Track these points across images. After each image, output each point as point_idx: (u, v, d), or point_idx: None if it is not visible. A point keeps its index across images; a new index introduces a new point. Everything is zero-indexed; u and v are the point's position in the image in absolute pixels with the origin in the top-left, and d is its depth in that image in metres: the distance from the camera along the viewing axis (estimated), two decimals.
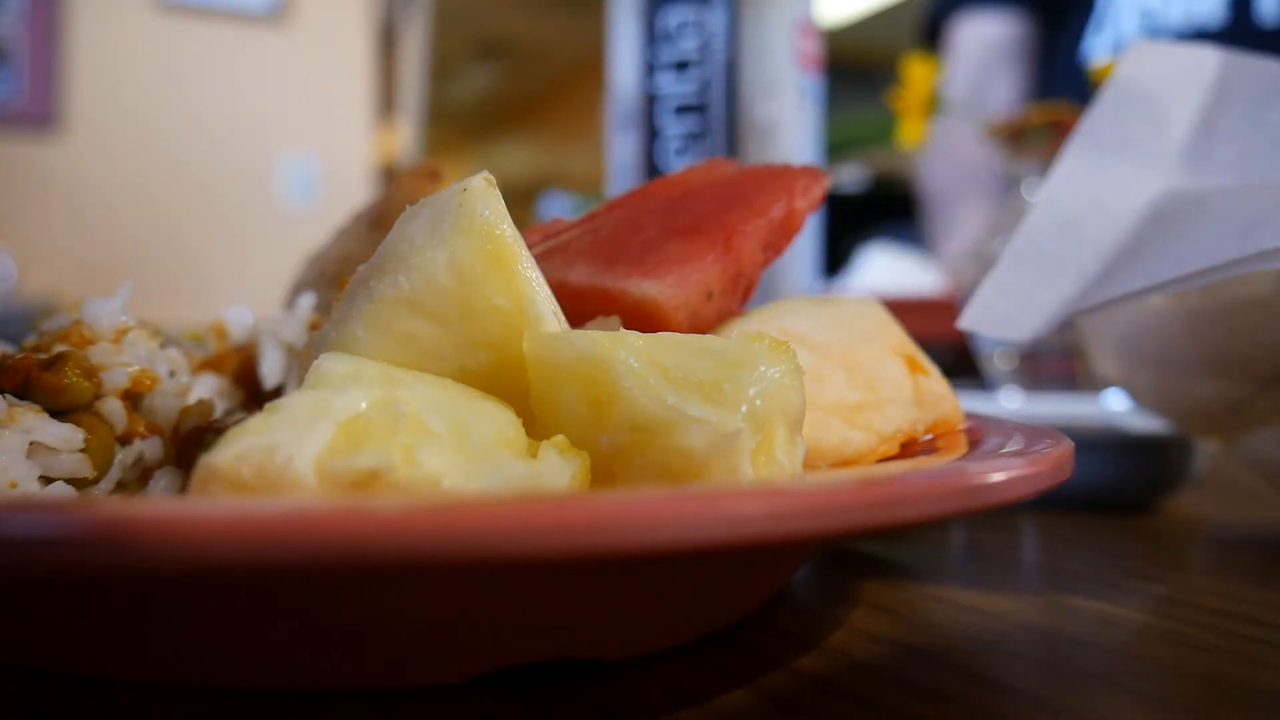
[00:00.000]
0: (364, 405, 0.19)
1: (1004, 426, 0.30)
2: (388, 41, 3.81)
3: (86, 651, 0.22)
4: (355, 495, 0.18)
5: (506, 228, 0.23)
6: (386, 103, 3.79)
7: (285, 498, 0.18)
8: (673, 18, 0.57)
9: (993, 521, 0.43)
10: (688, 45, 0.57)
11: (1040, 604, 0.30)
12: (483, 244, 0.22)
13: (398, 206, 0.42)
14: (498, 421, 0.21)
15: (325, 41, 3.11)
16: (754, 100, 0.57)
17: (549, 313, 0.23)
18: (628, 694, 0.21)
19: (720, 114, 0.57)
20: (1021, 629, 0.28)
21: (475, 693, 0.21)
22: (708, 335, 0.24)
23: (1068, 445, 0.25)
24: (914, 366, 0.31)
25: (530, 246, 0.25)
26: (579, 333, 0.22)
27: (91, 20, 2.80)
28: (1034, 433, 0.28)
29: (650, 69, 0.58)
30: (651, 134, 0.59)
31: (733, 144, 0.57)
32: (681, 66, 0.58)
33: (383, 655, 0.21)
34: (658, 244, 0.30)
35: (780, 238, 0.32)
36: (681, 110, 0.58)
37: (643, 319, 0.28)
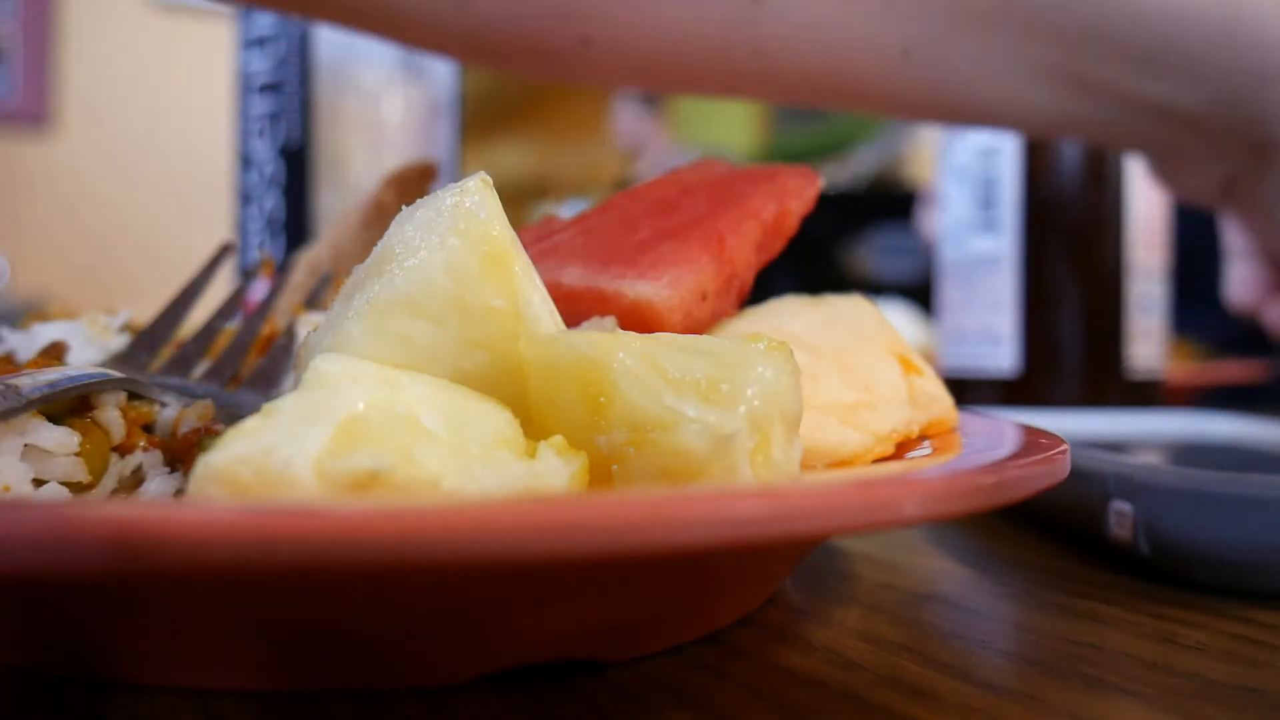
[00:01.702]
0: (362, 406, 0.19)
1: (1000, 428, 0.31)
2: None
3: (79, 653, 0.22)
4: (354, 496, 0.18)
5: (503, 229, 0.23)
6: None
7: (284, 499, 0.18)
8: None
9: (985, 520, 0.43)
10: (266, 20, 0.55)
11: (1031, 603, 0.30)
12: (479, 245, 0.22)
13: (390, 205, 0.43)
14: (496, 422, 0.21)
15: None
16: (336, 76, 0.54)
17: (546, 314, 0.23)
18: (622, 693, 0.22)
19: (295, 91, 0.54)
20: (1013, 628, 0.28)
21: (475, 693, 0.21)
22: (705, 336, 0.24)
23: (1064, 446, 0.25)
24: (908, 367, 0.31)
25: (524, 247, 0.25)
26: (576, 333, 0.22)
27: (85, 19, 2.80)
28: (1030, 434, 0.28)
29: (240, 46, 0.57)
30: (241, 118, 0.57)
31: (308, 124, 0.54)
32: (261, 42, 0.56)
33: (382, 655, 0.21)
34: (651, 245, 0.30)
35: (773, 239, 0.32)
36: (263, 89, 0.56)
37: (638, 320, 0.28)
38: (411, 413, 0.20)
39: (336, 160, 0.57)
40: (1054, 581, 0.32)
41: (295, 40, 0.56)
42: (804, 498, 0.17)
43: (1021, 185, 0.62)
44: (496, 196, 0.23)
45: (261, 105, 0.57)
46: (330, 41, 0.56)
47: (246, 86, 0.58)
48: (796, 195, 0.32)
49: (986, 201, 0.64)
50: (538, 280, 0.24)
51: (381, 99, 0.57)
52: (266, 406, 0.19)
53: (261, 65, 0.57)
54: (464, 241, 0.22)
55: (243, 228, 0.61)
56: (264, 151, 0.58)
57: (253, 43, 0.58)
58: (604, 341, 0.21)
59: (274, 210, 0.58)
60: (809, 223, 0.33)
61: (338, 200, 0.57)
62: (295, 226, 0.58)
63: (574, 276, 0.30)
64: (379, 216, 0.42)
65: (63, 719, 0.20)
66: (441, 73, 0.60)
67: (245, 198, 0.60)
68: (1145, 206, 0.62)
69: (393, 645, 0.21)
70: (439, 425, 0.20)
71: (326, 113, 0.56)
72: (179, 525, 0.15)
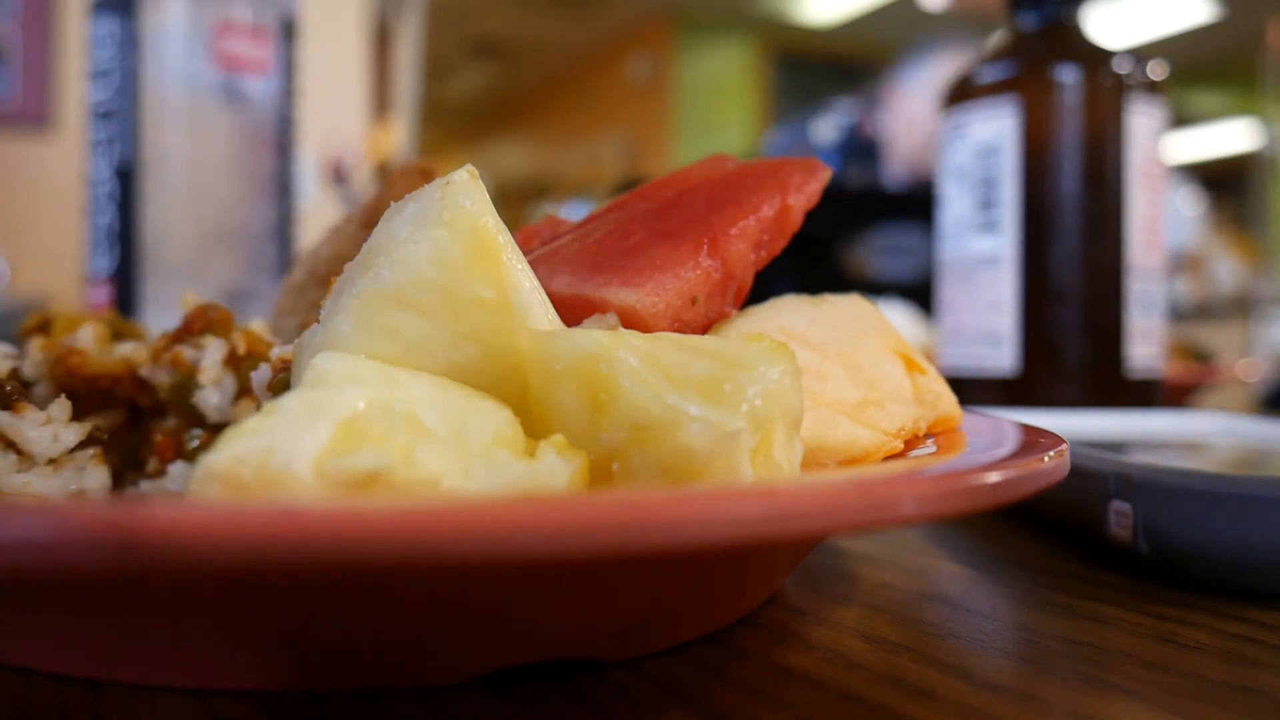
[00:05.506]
0: (362, 405, 0.19)
1: (1002, 426, 0.30)
2: (382, 41, 3.80)
3: (80, 652, 0.22)
4: (354, 496, 0.18)
5: (489, 219, 0.22)
6: (381, 102, 3.79)
7: (284, 498, 0.18)
8: (102, 27, 0.62)
9: (985, 520, 0.43)
10: (105, 54, 0.62)
11: (1031, 603, 0.30)
12: (466, 236, 0.22)
13: (389, 206, 0.43)
14: (496, 421, 0.21)
15: (319, 41, 3.10)
16: (162, 105, 0.60)
17: (536, 304, 0.23)
18: (622, 693, 0.22)
19: (127, 119, 0.60)
20: (1013, 628, 0.28)
21: (475, 693, 0.21)
22: (707, 335, 0.24)
23: (1064, 446, 0.25)
24: (911, 365, 0.31)
25: (523, 251, 0.25)
26: (578, 331, 0.22)
27: (85, 19, 2.80)
28: (1030, 434, 0.28)
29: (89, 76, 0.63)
30: (91, 142, 0.63)
31: (138, 146, 0.60)
32: (102, 74, 0.62)
33: (382, 655, 0.21)
34: (641, 249, 0.30)
35: (775, 235, 0.32)
36: (103, 116, 0.61)
37: (625, 327, 0.28)
38: (412, 412, 0.20)
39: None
40: (1054, 581, 0.32)
41: (128, 73, 0.61)
42: (804, 498, 0.17)
43: (1021, 185, 0.62)
44: (484, 188, 0.23)
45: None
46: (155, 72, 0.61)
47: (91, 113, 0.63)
48: (799, 190, 0.32)
49: (986, 201, 0.63)
50: (528, 271, 0.23)
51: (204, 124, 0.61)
52: (267, 405, 0.19)
53: (102, 95, 0.62)
54: (450, 233, 0.22)
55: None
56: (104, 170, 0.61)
57: (97, 75, 0.62)
58: (606, 340, 0.21)
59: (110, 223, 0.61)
60: (810, 222, 0.33)
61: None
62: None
63: (562, 284, 0.30)
64: (376, 215, 0.42)
65: (63, 719, 0.20)
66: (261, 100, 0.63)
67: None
68: (1145, 206, 0.62)
69: (393, 645, 0.21)
70: (439, 424, 0.20)
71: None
72: (179, 525, 0.15)
